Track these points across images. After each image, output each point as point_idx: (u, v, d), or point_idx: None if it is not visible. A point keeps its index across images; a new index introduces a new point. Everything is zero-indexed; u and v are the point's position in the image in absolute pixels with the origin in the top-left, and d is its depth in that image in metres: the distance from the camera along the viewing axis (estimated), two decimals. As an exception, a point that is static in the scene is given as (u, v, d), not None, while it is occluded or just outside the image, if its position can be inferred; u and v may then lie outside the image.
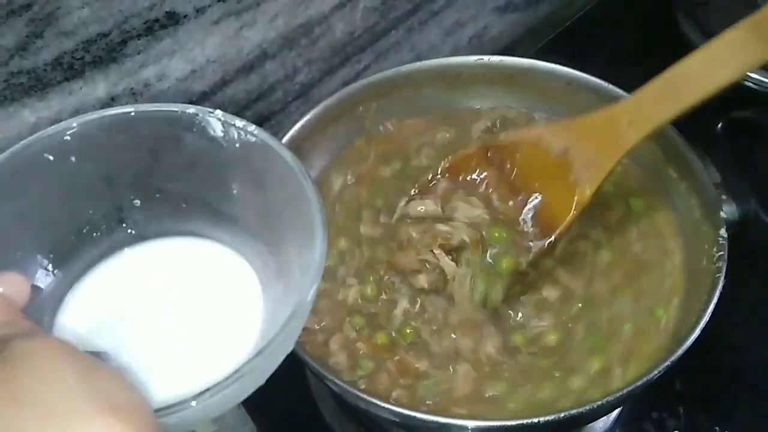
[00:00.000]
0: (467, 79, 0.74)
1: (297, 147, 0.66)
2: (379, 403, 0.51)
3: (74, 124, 0.40)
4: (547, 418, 0.50)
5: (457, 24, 0.91)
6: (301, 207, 0.38)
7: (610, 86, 0.70)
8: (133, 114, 0.41)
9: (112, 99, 0.60)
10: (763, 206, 0.63)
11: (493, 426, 0.53)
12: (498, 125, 0.73)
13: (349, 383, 0.53)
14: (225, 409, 0.36)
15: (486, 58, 0.74)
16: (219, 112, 0.41)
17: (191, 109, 0.41)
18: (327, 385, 0.54)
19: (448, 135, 0.74)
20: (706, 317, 0.54)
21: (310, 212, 0.38)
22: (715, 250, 0.58)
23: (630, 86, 0.69)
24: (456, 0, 0.88)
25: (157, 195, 0.44)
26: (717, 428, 0.66)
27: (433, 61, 0.74)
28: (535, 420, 0.51)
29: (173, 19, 0.61)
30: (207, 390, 0.32)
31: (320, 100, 0.70)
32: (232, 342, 0.40)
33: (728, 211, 0.62)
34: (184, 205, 0.44)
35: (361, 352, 0.59)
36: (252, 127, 0.41)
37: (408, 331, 0.59)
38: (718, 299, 0.55)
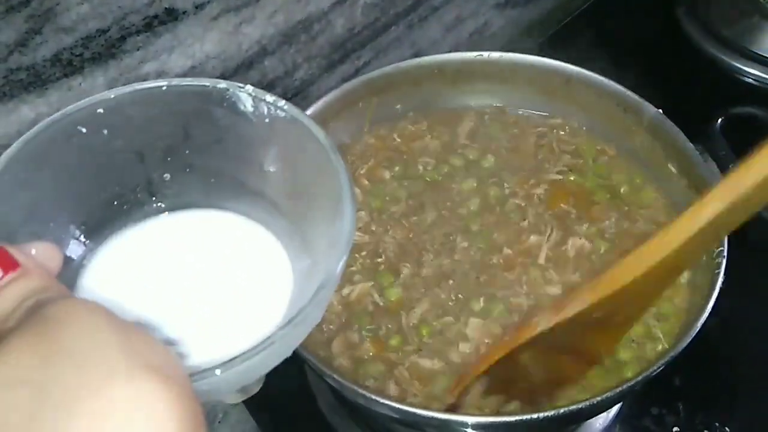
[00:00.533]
0: (467, 76, 0.74)
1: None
2: (378, 399, 0.52)
3: (108, 97, 0.41)
4: (547, 414, 0.50)
5: (457, 20, 0.91)
6: (330, 180, 0.38)
7: (610, 82, 0.70)
8: (164, 88, 0.41)
9: (112, 95, 0.60)
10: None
11: (493, 422, 0.53)
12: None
13: (347, 379, 0.53)
14: (252, 379, 0.36)
15: (486, 54, 0.74)
16: (249, 87, 0.41)
17: (222, 84, 0.41)
18: (326, 381, 0.55)
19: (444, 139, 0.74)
20: (705, 313, 0.54)
21: (339, 185, 0.38)
22: (714, 246, 0.58)
23: (630, 82, 0.70)
24: (456, -4, 0.88)
25: (187, 169, 0.44)
26: (716, 424, 0.66)
27: (433, 57, 0.74)
28: (535, 416, 0.50)
29: (172, 15, 0.61)
30: (237, 357, 0.32)
31: (320, 96, 0.70)
32: (259, 314, 0.40)
33: (728, 207, 0.62)
34: (213, 180, 0.44)
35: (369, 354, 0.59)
36: (282, 102, 0.41)
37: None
38: (718, 295, 0.55)
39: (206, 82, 0.41)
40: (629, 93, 0.69)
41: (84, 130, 0.40)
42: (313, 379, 0.69)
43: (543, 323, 0.50)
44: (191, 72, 0.66)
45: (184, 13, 0.62)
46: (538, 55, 0.74)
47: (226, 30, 0.66)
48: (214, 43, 0.66)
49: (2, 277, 0.32)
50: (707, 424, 0.66)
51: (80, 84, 0.58)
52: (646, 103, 0.68)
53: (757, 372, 0.70)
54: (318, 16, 0.74)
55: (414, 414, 0.51)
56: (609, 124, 0.70)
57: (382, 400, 0.51)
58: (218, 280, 0.42)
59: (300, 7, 0.72)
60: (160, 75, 0.63)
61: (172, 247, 0.44)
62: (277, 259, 0.42)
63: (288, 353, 0.36)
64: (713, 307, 0.54)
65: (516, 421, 0.52)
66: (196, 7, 0.63)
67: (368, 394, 0.52)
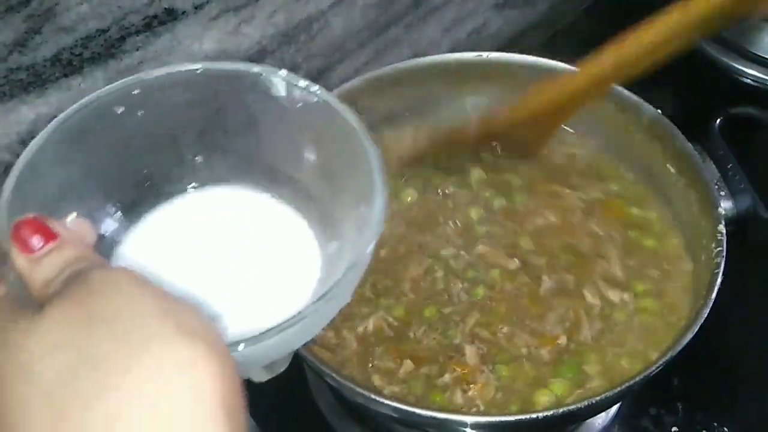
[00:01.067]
0: (466, 76, 0.74)
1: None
2: (376, 398, 0.52)
3: (144, 78, 0.41)
4: (546, 413, 0.50)
5: (456, 20, 0.91)
6: (362, 164, 0.39)
7: (609, 82, 0.70)
8: (199, 71, 0.42)
9: (111, 95, 0.60)
10: (761, 202, 0.63)
11: (493, 421, 0.53)
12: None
13: (345, 378, 0.53)
14: (281, 354, 0.37)
15: (485, 54, 0.74)
16: (283, 72, 0.42)
17: (256, 68, 0.42)
18: (326, 381, 0.55)
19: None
20: (704, 313, 0.54)
21: (371, 169, 0.38)
22: (713, 245, 0.59)
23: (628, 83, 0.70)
24: (455, -4, 0.88)
25: (219, 151, 0.44)
26: (715, 424, 0.66)
27: (432, 57, 0.74)
28: (534, 416, 0.51)
29: (172, 15, 0.61)
30: (269, 330, 0.33)
31: (319, 96, 0.70)
32: (288, 293, 0.40)
33: (727, 207, 0.63)
34: (245, 162, 0.45)
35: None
36: (315, 87, 0.41)
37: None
38: (717, 295, 0.55)
39: (240, 66, 0.42)
40: (628, 93, 0.69)
41: (120, 110, 0.41)
42: (313, 379, 0.69)
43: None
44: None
45: (183, 13, 0.62)
46: (537, 55, 0.74)
47: (226, 30, 0.66)
48: (213, 43, 0.66)
49: (42, 246, 0.33)
50: (706, 424, 0.66)
51: (80, 84, 0.58)
52: (645, 104, 0.68)
53: (757, 372, 0.70)
54: (317, 16, 0.74)
55: (413, 413, 0.51)
56: (608, 125, 0.71)
57: (381, 400, 0.51)
58: (248, 258, 0.42)
59: (299, 7, 0.72)
60: (159, 75, 0.63)
61: (204, 226, 0.44)
62: (306, 241, 0.43)
63: (316, 331, 0.37)
64: (713, 307, 0.54)
65: (515, 420, 0.52)
66: (196, 7, 0.63)
67: (368, 394, 0.52)
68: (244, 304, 0.40)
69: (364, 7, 0.78)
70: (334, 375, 0.53)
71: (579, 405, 0.51)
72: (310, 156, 0.44)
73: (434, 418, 0.52)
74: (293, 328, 0.33)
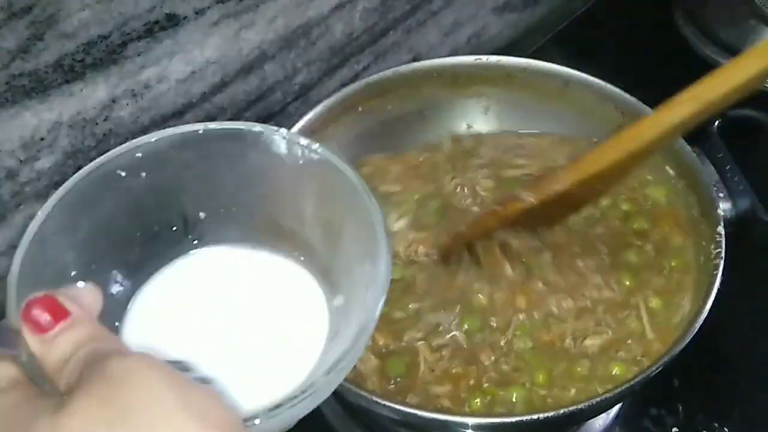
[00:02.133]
0: (465, 79, 0.75)
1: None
2: (378, 400, 0.52)
3: (147, 141, 0.42)
4: (547, 414, 0.51)
5: (455, 24, 0.92)
6: (364, 223, 0.39)
7: (608, 85, 0.71)
8: (201, 132, 0.42)
9: (113, 101, 0.61)
10: (760, 204, 0.63)
11: (494, 423, 0.53)
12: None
13: (348, 381, 0.53)
14: (291, 423, 0.37)
15: (484, 58, 0.74)
16: (284, 131, 0.42)
17: (257, 128, 0.42)
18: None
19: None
20: (703, 314, 0.54)
21: (373, 227, 0.39)
22: (712, 247, 0.59)
23: (628, 85, 0.70)
24: (454, 0, 0.88)
25: (222, 209, 0.45)
26: (716, 425, 0.66)
27: (432, 61, 0.75)
28: (535, 417, 0.51)
29: (173, 20, 0.62)
30: (282, 404, 0.33)
31: (319, 100, 0.70)
32: (296, 352, 0.40)
33: (726, 208, 0.63)
34: (248, 219, 0.45)
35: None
36: (315, 145, 0.42)
37: None
38: (716, 296, 0.55)
39: (241, 126, 0.43)
40: (627, 96, 0.69)
41: (123, 173, 0.41)
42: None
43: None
44: (191, 77, 0.66)
45: (184, 18, 0.62)
46: (537, 58, 0.74)
47: (227, 35, 0.67)
48: (214, 49, 0.67)
49: (54, 326, 0.32)
50: (706, 425, 0.66)
51: (82, 90, 0.58)
52: (644, 106, 0.68)
53: (757, 372, 0.71)
54: (317, 21, 0.74)
55: (414, 415, 0.52)
56: (607, 127, 0.71)
57: (382, 402, 0.52)
58: (254, 316, 0.42)
59: (299, 13, 0.72)
60: (160, 80, 0.63)
61: (209, 287, 0.44)
62: (312, 297, 0.43)
63: (326, 396, 0.37)
64: (713, 308, 0.54)
65: (516, 422, 0.52)
66: (197, 13, 0.63)
67: (369, 396, 0.52)
68: (251, 365, 0.40)
69: (363, 11, 0.78)
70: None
71: (580, 406, 0.51)
72: (312, 212, 0.44)
73: (436, 420, 0.52)
74: (307, 400, 0.34)
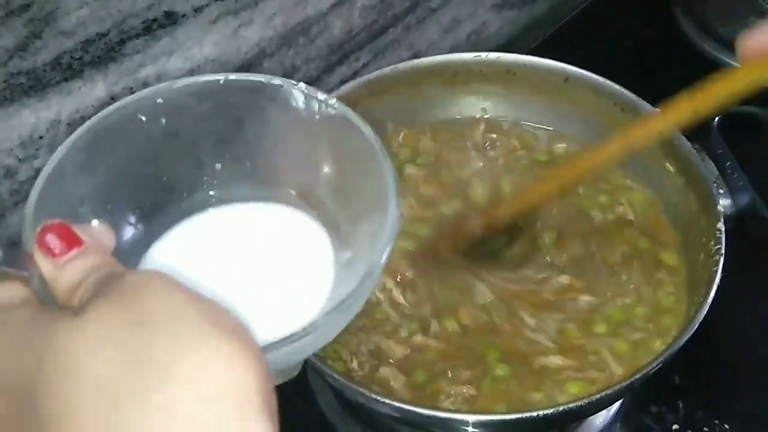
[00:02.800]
0: (465, 76, 0.74)
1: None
2: (378, 398, 0.52)
3: (168, 88, 0.42)
4: (547, 411, 0.51)
5: (454, 21, 0.91)
6: (376, 178, 0.40)
7: (608, 82, 0.70)
8: (221, 82, 0.43)
9: (111, 98, 0.61)
10: (760, 200, 0.63)
11: (494, 420, 0.53)
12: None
13: (347, 378, 0.53)
14: (294, 362, 0.38)
15: (484, 54, 0.74)
16: (302, 85, 0.43)
17: (277, 80, 0.43)
18: (326, 381, 0.55)
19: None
20: (703, 311, 0.54)
21: (385, 182, 0.39)
22: (712, 243, 0.59)
23: (627, 81, 0.70)
24: (453, -3, 0.88)
25: (238, 160, 0.45)
26: (716, 422, 0.66)
27: (431, 58, 0.74)
28: (535, 414, 0.51)
29: (171, 18, 0.62)
30: (284, 338, 0.34)
31: (319, 98, 0.70)
32: (302, 301, 0.41)
33: (726, 204, 0.63)
34: (262, 171, 0.46)
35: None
36: (332, 100, 0.42)
37: None
38: (716, 293, 0.55)
39: (262, 78, 0.43)
40: (627, 92, 0.69)
41: (143, 118, 0.42)
42: (313, 378, 0.69)
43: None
44: (190, 75, 0.66)
45: (183, 16, 0.62)
46: (536, 55, 0.74)
47: (225, 33, 0.67)
48: (212, 46, 0.66)
49: (67, 251, 0.33)
50: (707, 422, 0.66)
51: (80, 88, 0.58)
52: (644, 102, 0.68)
53: (757, 369, 0.71)
54: (316, 19, 0.74)
55: (415, 413, 0.52)
56: (606, 123, 0.71)
57: (382, 399, 0.52)
58: (266, 267, 0.43)
59: (298, 10, 0.72)
60: (159, 78, 0.63)
61: (221, 234, 0.45)
62: (320, 249, 0.44)
63: (330, 339, 0.38)
64: (713, 305, 0.54)
65: (516, 419, 0.52)
66: (195, 11, 0.63)
67: (368, 393, 0.52)
68: (260, 311, 0.40)
69: (362, 9, 0.78)
70: (335, 375, 0.53)
71: (580, 403, 0.51)
72: (325, 167, 0.45)
73: (436, 418, 0.52)
74: (308, 338, 0.34)
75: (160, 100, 0.42)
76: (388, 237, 0.37)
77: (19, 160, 0.57)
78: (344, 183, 0.44)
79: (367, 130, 0.41)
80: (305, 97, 0.43)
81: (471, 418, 0.53)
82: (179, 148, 0.44)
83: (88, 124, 0.40)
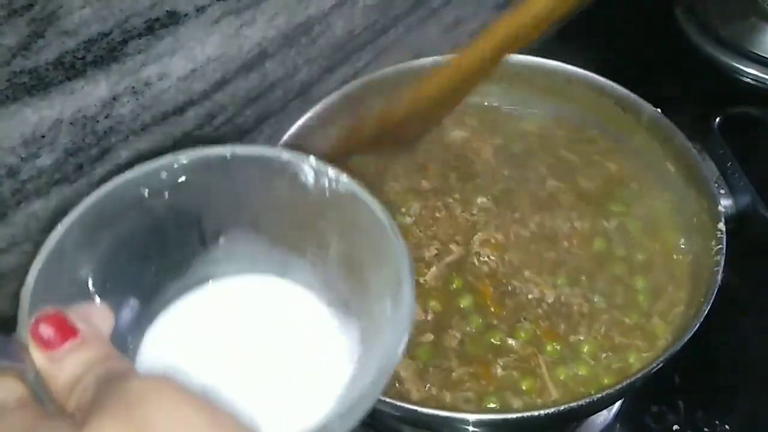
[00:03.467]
0: (466, 76, 0.74)
1: (297, 145, 0.66)
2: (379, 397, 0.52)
3: (172, 161, 0.41)
4: (548, 411, 0.51)
5: (456, 21, 0.92)
6: (388, 258, 0.38)
7: (609, 82, 0.71)
8: (228, 156, 0.41)
9: (114, 98, 0.61)
10: (761, 200, 0.63)
11: (495, 419, 0.53)
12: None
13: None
14: None
15: (485, 55, 0.74)
16: (312, 160, 0.41)
17: (285, 155, 0.41)
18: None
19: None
20: (704, 311, 0.54)
21: (398, 265, 0.37)
22: (713, 243, 0.59)
23: (629, 82, 0.70)
24: (455, -3, 0.89)
25: (243, 235, 0.44)
26: (717, 422, 0.66)
27: (433, 58, 0.74)
28: (536, 413, 0.51)
29: (174, 18, 0.62)
30: None
31: (320, 98, 0.70)
32: (312, 390, 0.40)
33: (726, 205, 0.63)
34: (268, 246, 0.44)
35: None
36: (343, 177, 0.41)
37: None
38: (717, 293, 0.55)
39: (269, 152, 0.42)
40: (628, 93, 0.69)
41: (146, 192, 0.40)
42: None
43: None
44: (192, 74, 0.66)
45: (185, 16, 0.62)
46: (538, 55, 0.74)
47: (227, 33, 0.67)
48: (215, 46, 0.67)
49: (62, 343, 0.32)
50: (707, 422, 0.66)
51: (83, 87, 0.58)
52: (645, 103, 0.68)
53: (757, 369, 0.71)
54: (318, 19, 0.74)
55: (415, 412, 0.52)
56: (608, 124, 0.71)
57: (382, 398, 0.52)
58: (271, 350, 0.41)
59: (300, 10, 0.72)
60: (161, 78, 0.64)
61: (226, 318, 0.43)
62: (329, 329, 0.42)
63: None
64: (713, 305, 0.54)
65: (517, 418, 0.52)
66: (198, 10, 0.63)
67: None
68: (269, 402, 0.39)
69: (364, 9, 0.78)
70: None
71: (580, 402, 0.51)
72: (335, 244, 0.43)
73: (437, 417, 0.52)
74: None
75: (164, 174, 0.41)
76: (404, 326, 0.35)
77: (22, 159, 0.57)
78: (356, 261, 0.42)
79: (378, 208, 0.39)
80: (315, 173, 0.41)
81: (472, 417, 0.52)
82: (182, 222, 0.42)
83: (88, 200, 0.39)
